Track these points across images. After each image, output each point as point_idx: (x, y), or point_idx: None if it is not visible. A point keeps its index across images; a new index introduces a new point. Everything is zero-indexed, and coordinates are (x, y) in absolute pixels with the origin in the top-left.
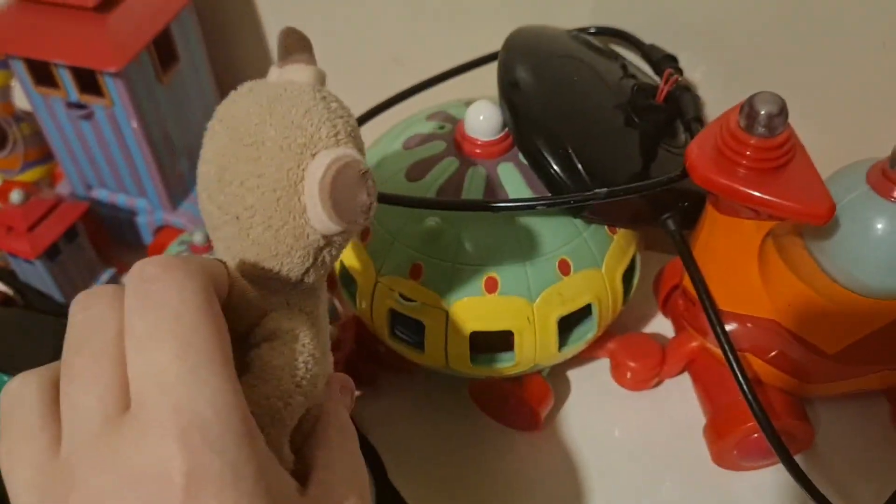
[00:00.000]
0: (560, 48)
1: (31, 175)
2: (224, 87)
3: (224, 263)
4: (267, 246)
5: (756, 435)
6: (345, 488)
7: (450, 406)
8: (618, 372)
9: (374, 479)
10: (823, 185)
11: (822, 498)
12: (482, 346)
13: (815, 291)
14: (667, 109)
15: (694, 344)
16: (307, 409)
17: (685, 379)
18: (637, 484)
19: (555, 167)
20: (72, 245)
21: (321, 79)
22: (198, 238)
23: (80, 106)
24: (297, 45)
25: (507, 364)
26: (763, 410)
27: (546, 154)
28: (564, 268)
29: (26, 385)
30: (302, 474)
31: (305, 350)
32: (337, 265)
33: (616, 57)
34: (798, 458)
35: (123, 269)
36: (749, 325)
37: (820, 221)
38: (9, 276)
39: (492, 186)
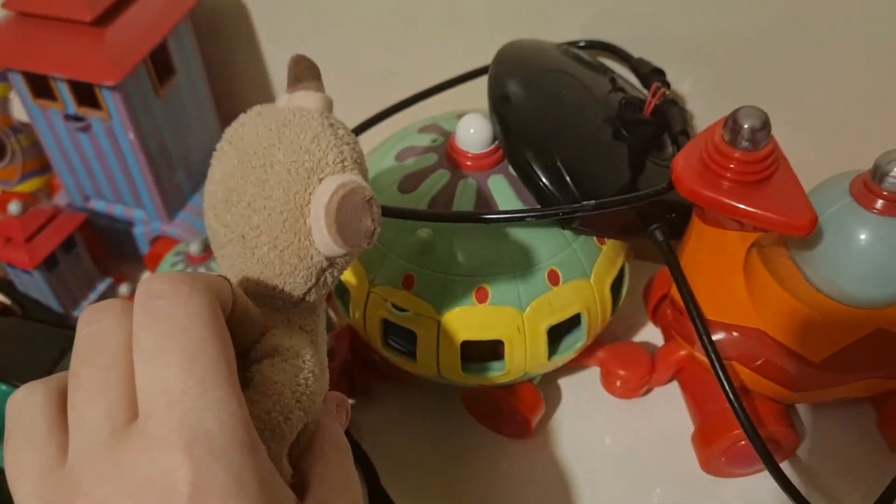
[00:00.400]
0: (550, 62)
1: (29, 186)
2: (220, 99)
3: (228, 280)
4: (271, 265)
5: (743, 442)
6: (339, 503)
7: (443, 414)
8: (608, 380)
9: (367, 486)
10: (806, 198)
11: (806, 503)
12: (474, 355)
13: (799, 301)
14: (654, 123)
15: (682, 352)
16: (305, 425)
17: (674, 387)
18: (627, 490)
19: (544, 180)
20: (69, 255)
21: (329, 105)
22: (194, 248)
23: (77, 118)
24: (306, 72)
25: (498, 373)
26: (749, 418)
27: (535, 167)
28: (554, 278)
29: (32, 395)
30: (298, 488)
31: (306, 367)
32: None
33: (605, 70)
34: (785, 465)
35: (121, 279)
36: (735, 334)
37: (802, 233)
38: (7, 287)
39: (483, 198)
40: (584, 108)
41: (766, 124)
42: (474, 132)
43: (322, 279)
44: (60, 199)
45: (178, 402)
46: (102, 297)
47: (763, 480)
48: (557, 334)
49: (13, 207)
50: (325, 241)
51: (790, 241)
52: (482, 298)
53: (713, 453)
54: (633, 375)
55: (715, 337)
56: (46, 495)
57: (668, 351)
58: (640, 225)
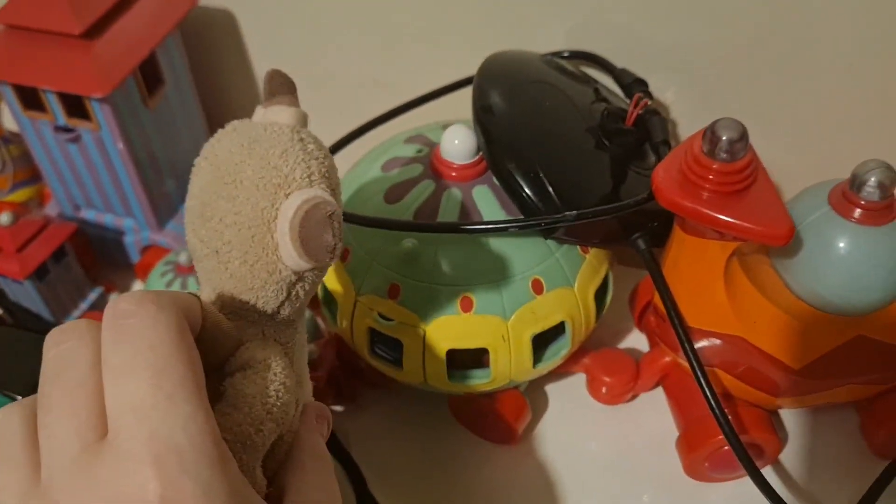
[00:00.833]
0: (533, 73)
1: (20, 195)
2: (209, 109)
3: (197, 297)
4: (243, 279)
5: (726, 448)
6: None
7: (430, 421)
8: (593, 387)
9: (354, 492)
10: (784, 208)
11: None
12: (459, 363)
13: (780, 309)
14: (636, 133)
15: (667, 359)
16: (281, 436)
17: (659, 393)
18: (613, 495)
19: (526, 190)
20: (60, 265)
21: (303, 120)
22: (183, 258)
23: (67, 129)
24: (280, 86)
25: (483, 380)
26: (730, 425)
27: (518, 177)
28: (537, 287)
29: (9, 416)
30: (275, 499)
31: (277, 379)
32: None
33: (588, 81)
34: (768, 470)
35: (111, 288)
36: (717, 341)
37: (780, 243)
38: None
39: (467, 209)
40: (567, 119)
41: (743, 136)
42: (458, 143)
43: (293, 293)
44: (51, 209)
45: (147, 417)
46: (93, 306)
47: (747, 485)
48: (542, 342)
49: (3, 218)
50: (290, 256)
51: (771, 250)
52: (467, 307)
53: (697, 459)
54: (618, 382)
55: (697, 344)
56: None
57: (652, 357)
58: (623, 234)
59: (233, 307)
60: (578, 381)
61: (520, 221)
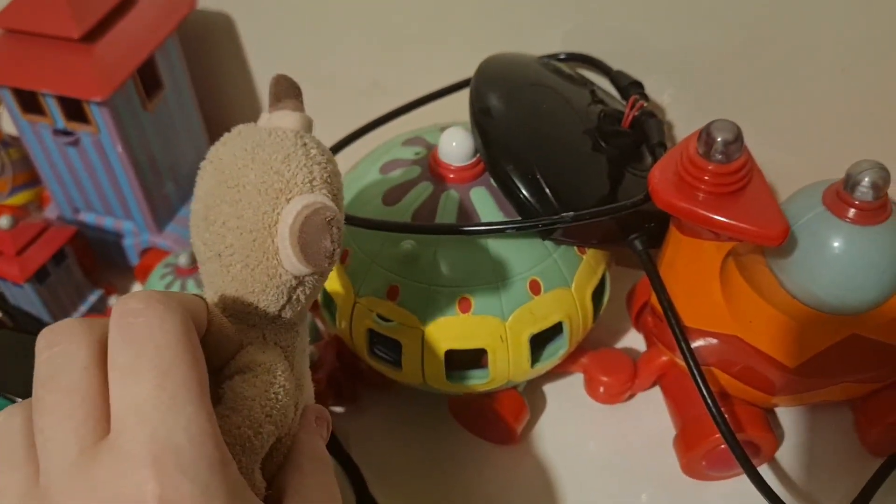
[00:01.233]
0: (530, 75)
1: (19, 199)
2: (208, 112)
3: (203, 299)
4: (244, 283)
5: (723, 446)
6: None
7: (429, 421)
8: (591, 386)
9: (355, 492)
10: (778, 209)
11: None
12: (457, 363)
13: (775, 308)
14: (632, 134)
15: (664, 358)
16: (279, 439)
17: (656, 392)
18: (611, 494)
19: (524, 192)
20: (60, 268)
21: (307, 125)
22: (183, 260)
23: (66, 133)
24: (286, 91)
25: (482, 381)
26: (727, 423)
27: (515, 179)
28: (535, 288)
29: (10, 418)
30: (275, 501)
31: (276, 382)
32: None
33: (585, 83)
34: (764, 468)
35: (111, 290)
36: (713, 340)
37: (774, 243)
38: None
39: (465, 210)
40: (564, 121)
41: (738, 137)
42: (456, 145)
43: (294, 297)
44: (50, 212)
45: (149, 417)
46: (93, 309)
47: (744, 483)
48: (540, 342)
49: (3, 221)
50: (290, 261)
51: (766, 250)
52: (465, 308)
53: (694, 457)
54: (616, 381)
55: (693, 344)
56: None
57: (649, 357)
58: (620, 234)
59: (234, 310)
60: (576, 380)
61: (517, 223)
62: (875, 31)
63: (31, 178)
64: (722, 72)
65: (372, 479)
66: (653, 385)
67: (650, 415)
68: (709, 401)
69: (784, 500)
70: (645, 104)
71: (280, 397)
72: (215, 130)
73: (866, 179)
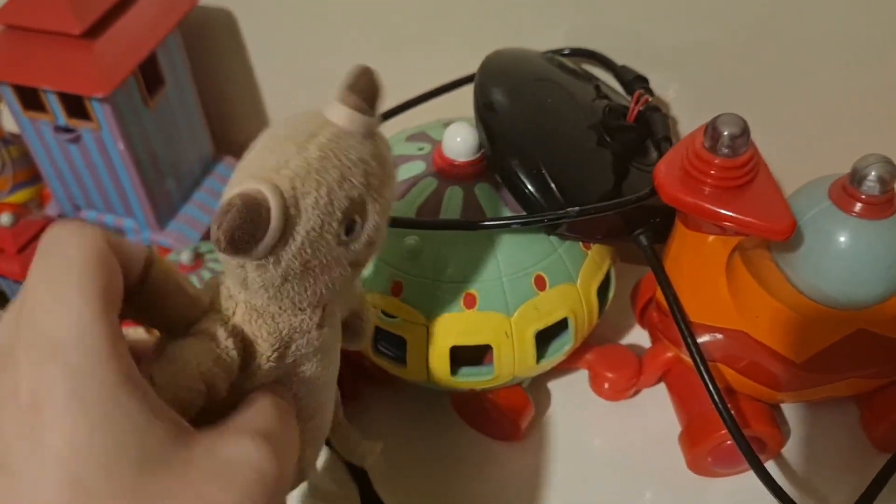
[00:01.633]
0: (534, 70)
1: (20, 196)
2: (209, 109)
3: (150, 250)
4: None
5: (729, 442)
6: (244, 432)
7: (434, 418)
8: (596, 383)
9: (359, 490)
10: (785, 203)
11: (791, 502)
12: (462, 359)
13: (781, 303)
14: (637, 129)
15: (669, 354)
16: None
17: (661, 388)
18: (616, 491)
19: (529, 187)
20: None
21: (358, 125)
22: (185, 257)
23: (67, 130)
24: (355, 84)
25: (487, 377)
26: (733, 419)
27: (520, 174)
28: (540, 283)
29: None
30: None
31: (213, 352)
32: None
33: (590, 78)
34: (770, 464)
35: None
36: (719, 336)
37: (781, 237)
38: None
39: (470, 206)
40: (569, 116)
41: (745, 131)
42: (461, 140)
43: (251, 282)
44: (51, 210)
45: (32, 314)
46: None
47: (750, 480)
48: (545, 338)
49: (4, 218)
50: (217, 245)
51: (772, 245)
52: (470, 304)
53: (700, 453)
54: (620, 377)
55: (699, 339)
56: None
57: (654, 353)
58: (625, 230)
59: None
60: (581, 377)
61: (523, 218)
62: (875, 26)
63: (31, 176)
64: (725, 68)
65: (376, 477)
66: (658, 381)
67: (655, 411)
68: (715, 396)
69: (791, 496)
70: (650, 99)
71: (209, 366)
72: (217, 127)
73: (873, 173)
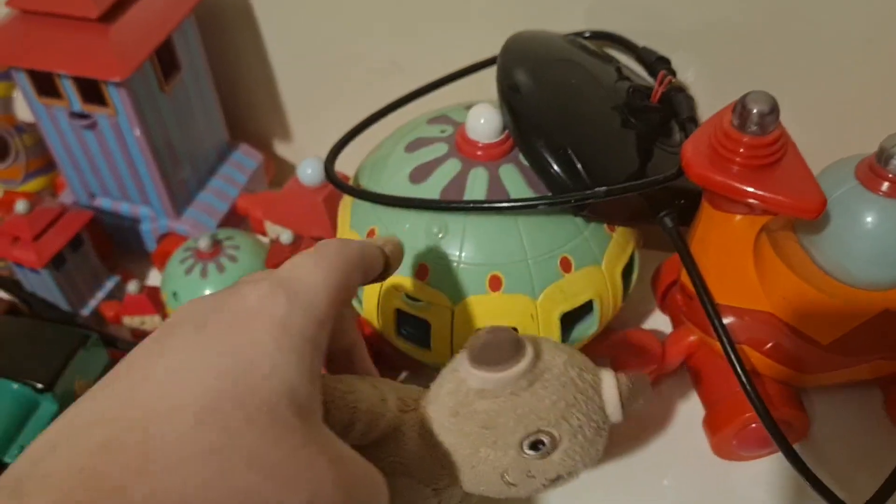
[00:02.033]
0: (557, 52)
1: (33, 185)
2: (225, 94)
3: (383, 251)
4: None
5: (754, 425)
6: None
7: None
8: (619, 368)
9: None
10: (815, 181)
11: (820, 484)
12: None
13: (808, 284)
14: (662, 110)
15: (692, 338)
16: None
17: (684, 373)
18: (638, 476)
19: (555, 167)
20: (77, 253)
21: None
22: (203, 244)
23: (83, 116)
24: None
25: None
26: (761, 400)
27: (547, 155)
28: (566, 265)
29: None
30: None
31: (374, 410)
32: None
33: (611, 60)
34: (795, 448)
35: (128, 276)
36: (746, 318)
37: (811, 216)
38: (14, 286)
39: (494, 187)
40: (593, 97)
41: (774, 108)
42: (485, 122)
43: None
44: (65, 198)
45: (289, 266)
46: (110, 295)
47: (772, 463)
48: (569, 322)
49: (20, 206)
50: None
51: (798, 226)
52: (496, 286)
53: (725, 436)
54: (643, 362)
55: (725, 321)
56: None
57: (677, 337)
58: (650, 211)
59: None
60: (602, 362)
61: (550, 198)
62: None
63: (44, 165)
64: (747, 49)
65: None
66: (680, 366)
67: (677, 396)
68: (743, 378)
69: (819, 478)
70: (673, 79)
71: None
72: (231, 114)
73: None
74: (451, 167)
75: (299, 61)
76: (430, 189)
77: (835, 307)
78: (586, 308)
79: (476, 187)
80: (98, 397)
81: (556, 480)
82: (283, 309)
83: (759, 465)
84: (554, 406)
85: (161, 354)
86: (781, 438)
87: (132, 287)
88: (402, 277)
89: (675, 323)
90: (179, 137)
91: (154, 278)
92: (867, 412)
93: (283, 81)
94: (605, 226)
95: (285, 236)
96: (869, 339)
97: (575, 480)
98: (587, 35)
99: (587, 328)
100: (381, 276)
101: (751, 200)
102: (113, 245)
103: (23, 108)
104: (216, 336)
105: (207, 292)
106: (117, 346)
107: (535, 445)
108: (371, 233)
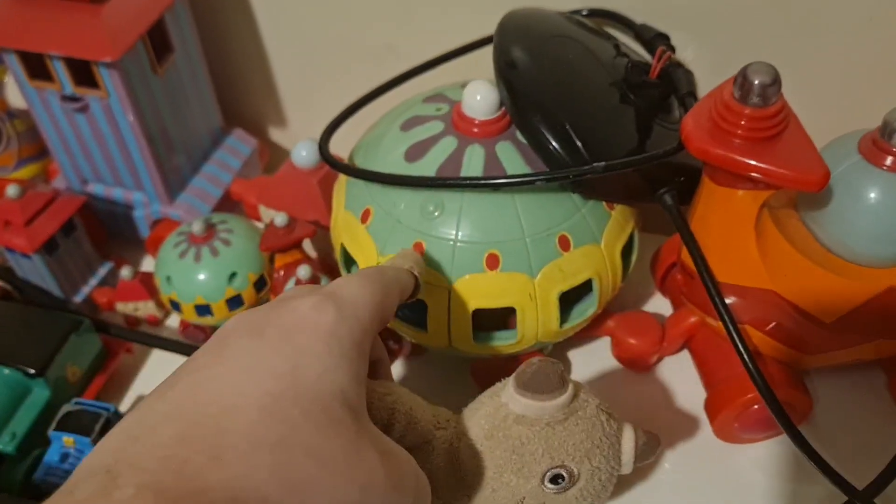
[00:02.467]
0: (554, 28)
1: (25, 172)
2: (218, 77)
3: (416, 277)
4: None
5: (756, 406)
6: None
7: (451, 387)
8: (618, 349)
9: None
10: (817, 153)
11: (823, 463)
12: (484, 324)
13: (811, 261)
14: (661, 86)
15: (693, 319)
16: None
17: (685, 355)
18: None
19: (553, 143)
20: (69, 239)
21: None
22: (196, 228)
23: (75, 98)
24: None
25: (510, 341)
26: (765, 381)
27: (545, 131)
28: (564, 243)
29: None
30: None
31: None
32: (337, 246)
33: (609, 37)
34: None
35: (121, 262)
36: (748, 296)
37: (815, 188)
38: (6, 272)
39: (491, 165)
40: (591, 73)
41: (776, 80)
42: (481, 98)
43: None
44: (58, 184)
45: (338, 283)
46: (103, 282)
47: (774, 446)
48: (568, 302)
49: (11, 190)
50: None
51: (800, 203)
52: (493, 265)
53: (726, 418)
54: (643, 344)
55: (727, 300)
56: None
57: (678, 318)
58: (650, 189)
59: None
60: (603, 344)
61: (548, 174)
62: None
63: (37, 151)
64: (746, 26)
65: None
66: (681, 348)
67: (678, 378)
68: (746, 358)
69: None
70: (672, 55)
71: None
72: (225, 97)
73: None
74: (447, 145)
75: (294, 46)
76: (426, 167)
77: (838, 285)
78: (585, 288)
79: (472, 165)
80: (166, 397)
81: None
82: (332, 318)
83: (761, 449)
84: (581, 444)
85: (221, 360)
86: (785, 418)
87: (126, 273)
88: None
89: (676, 305)
90: (173, 122)
91: (147, 265)
92: (870, 394)
93: (278, 66)
94: (603, 204)
95: (280, 219)
96: (873, 317)
97: None
98: (584, 13)
99: (586, 308)
100: (412, 296)
101: (753, 174)
102: (106, 231)
103: (15, 94)
104: (272, 343)
105: (201, 276)
106: (109, 332)
107: (555, 479)
108: (366, 213)
